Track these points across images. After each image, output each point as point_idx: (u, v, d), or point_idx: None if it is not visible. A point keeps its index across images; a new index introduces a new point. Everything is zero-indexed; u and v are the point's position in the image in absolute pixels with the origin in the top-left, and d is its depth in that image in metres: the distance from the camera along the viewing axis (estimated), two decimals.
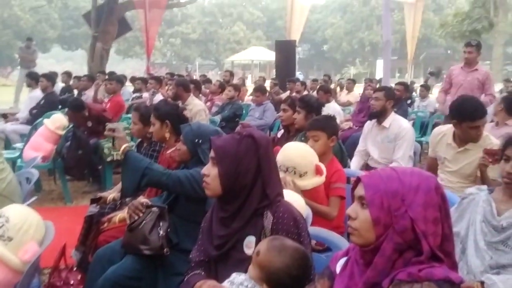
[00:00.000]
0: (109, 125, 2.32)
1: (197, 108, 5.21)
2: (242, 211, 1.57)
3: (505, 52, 24.24)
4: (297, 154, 2.36)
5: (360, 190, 1.19)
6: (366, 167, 4.04)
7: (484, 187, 2.10)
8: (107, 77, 7.86)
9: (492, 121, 4.20)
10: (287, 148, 2.39)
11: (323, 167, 2.42)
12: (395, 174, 1.18)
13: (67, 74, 9.65)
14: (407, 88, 7.42)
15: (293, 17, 13.79)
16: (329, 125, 2.75)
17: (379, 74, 6.30)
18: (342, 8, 47.27)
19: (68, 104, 5.09)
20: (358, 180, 1.22)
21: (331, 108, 6.08)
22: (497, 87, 13.97)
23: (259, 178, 1.58)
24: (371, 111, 3.98)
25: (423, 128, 7.20)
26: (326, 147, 2.71)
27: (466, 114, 2.87)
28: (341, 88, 11.05)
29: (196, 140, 2.14)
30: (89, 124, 5.00)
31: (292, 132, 3.69)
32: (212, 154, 1.60)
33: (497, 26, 21.36)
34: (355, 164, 4.02)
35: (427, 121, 7.25)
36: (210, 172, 1.60)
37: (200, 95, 7.17)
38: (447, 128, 3.15)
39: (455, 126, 2.98)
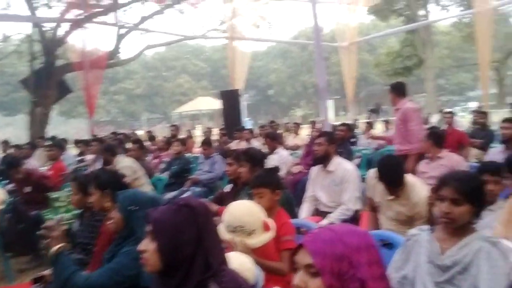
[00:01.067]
0: (46, 224, 2.20)
1: (120, 165, 5.08)
2: (185, 285, 1.51)
3: (436, 85, 25.82)
4: (243, 213, 2.33)
5: (305, 258, 1.15)
6: (317, 212, 4.07)
7: (426, 227, 2.15)
8: (46, 143, 7.60)
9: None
10: (233, 208, 2.36)
11: (271, 222, 2.41)
12: (336, 236, 1.17)
13: (5, 143, 9.26)
14: (350, 128, 7.68)
15: (235, 66, 14.12)
16: (271, 180, 2.76)
17: (323, 115, 6.55)
18: (282, 54, 49.07)
19: (1, 162, 4.90)
20: (300, 246, 1.19)
21: (278, 155, 6.16)
22: (435, 118, 14.79)
23: (200, 248, 1.53)
24: (314, 156, 4.06)
25: (370, 164, 7.42)
26: (271, 201, 2.71)
27: (386, 179, 3.07)
28: (288, 132, 11.27)
29: (131, 207, 2.08)
30: (28, 189, 4.78)
31: (239, 186, 3.67)
32: (148, 228, 1.54)
33: (426, 62, 22.83)
34: (305, 211, 4.04)
35: (372, 157, 7.48)
36: (147, 247, 1.53)
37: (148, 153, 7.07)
38: None
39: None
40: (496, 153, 4.82)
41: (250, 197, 2.88)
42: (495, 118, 16.08)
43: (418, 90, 34.20)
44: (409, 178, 3.14)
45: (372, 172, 3.36)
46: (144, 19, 15.97)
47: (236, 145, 8.36)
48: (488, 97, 11.01)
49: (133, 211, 2.07)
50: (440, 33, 33.40)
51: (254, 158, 3.51)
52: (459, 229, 1.97)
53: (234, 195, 3.46)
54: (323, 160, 3.94)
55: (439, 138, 4.44)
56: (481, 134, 7.30)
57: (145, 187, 5.10)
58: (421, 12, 24.09)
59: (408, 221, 3.04)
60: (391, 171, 3.06)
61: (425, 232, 2.09)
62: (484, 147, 6.89)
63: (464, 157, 5.91)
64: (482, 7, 9.16)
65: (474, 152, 6.97)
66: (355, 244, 1.14)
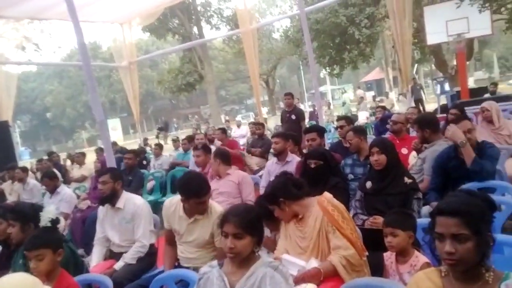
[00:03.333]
0: None
1: None
2: None
3: (219, 96, 27.70)
4: None
5: None
6: (110, 254, 3.82)
7: (215, 262, 2.20)
8: None
9: None
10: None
11: None
12: None
13: None
14: (137, 153, 7.51)
15: (1, 92, 12.32)
16: (51, 239, 2.45)
17: (104, 138, 6.03)
18: (57, 74, 45.46)
19: None
20: None
21: (61, 195, 5.63)
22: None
23: None
24: (100, 197, 3.80)
25: (163, 187, 7.39)
26: (53, 263, 2.40)
27: (192, 192, 3.02)
28: (72, 162, 10.41)
29: None
30: None
31: (12, 247, 3.15)
32: None
33: (207, 77, 24.26)
34: (96, 255, 3.75)
35: (165, 180, 7.47)
36: None
37: None
38: (177, 200, 3.24)
39: (184, 202, 3.10)
40: (270, 164, 5.38)
41: (26, 260, 2.49)
42: (270, 124, 18.07)
43: (203, 102, 36.03)
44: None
45: (168, 201, 3.33)
46: None
47: (9, 187, 7.28)
48: (260, 105, 12.22)
49: None
50: (215, 49, 35.88)
51: (25, 215, 3.04)
52: (244, 260, 2.08)
53: (6, 260, 2.95)
54: (110, 199, 3.71)
55: (226, 156, 4.69)
56: (260, 143, 8.07)
57: None
58: (195, 30, 25.47)
59: (208, 243, 3.09)
60: (197, 181, 3.05)
61: (215, 269, 2.14)
62: (263, 155, 7.67)
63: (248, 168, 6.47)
64: (246, 28, 10.14)
65: (255, 160, 7.67)
66: None
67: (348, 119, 5.65)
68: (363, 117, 14.50)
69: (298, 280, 2.39)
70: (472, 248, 1.50)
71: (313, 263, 2.49)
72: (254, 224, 2.10)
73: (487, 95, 10.86)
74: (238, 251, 2.03)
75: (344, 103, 19.96)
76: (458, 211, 1.52)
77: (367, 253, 2.65)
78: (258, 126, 8.42)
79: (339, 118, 5.88)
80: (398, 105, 16.52)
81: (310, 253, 2.62)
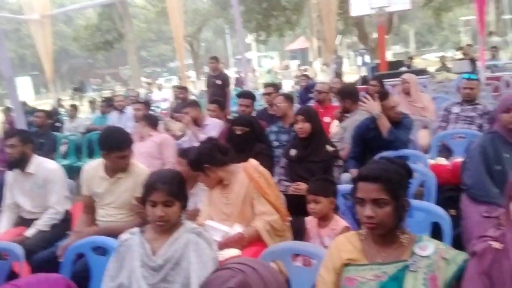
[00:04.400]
0: None
1: None
2: None
3: (140, 57, 26.53)
4: None
5: None
6: (20, 221, 3.55)
7: (136, 229, 2.11)
8: None
9: None
10: None
11: None
12: None
13: None
14: (49, 114, 6.99)
15: None
16: None
17: (13, 98, 5.44)
18: None
19: None
20: None
21: None
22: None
23: None
24: (8, 160, 3.49)
25: (79, 151, 6.99)
26: None
27: (113, 144, 2.91)
28: None
29: None
30: None
31: None
32: None
33: (127, 36, 23.02)
34: (5, 221, 3.47)
35: (80, 142, 7.06)
36: None
37: None
38: (97, 163, 3.11)
39: (105, 157, 2.98)
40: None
41: None
42: (194, 88, 17.73)
43: (122, 62, 34.36)
44: None
45: (88, 165, 3.19)
46: None
47: None
48: (184, 68, 11.90)
49: None
50: (136, 6, 34.02)
51: None
52: (169, 226, 2.02)
53: None
54: (19, 163, 3.42)
55: (152, 119, 4.73)
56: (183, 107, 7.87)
57: None
58: None
59: (129, 203, 2.99)
60: (118, 134, 2.98)
61: (136, 235, 2.05)
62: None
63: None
64: None
65: (178, 125, 7.50)
66: None
67: (276, 86, 5.69)
68: (288, 86, 14.70)
69: (222, 245, 2.38)
70: (390, 212, 1.56)
71: (237, 229, 2.50)
72: (182, 190, 2.04)
73: (403, 69, 11.45)
74: (168, 218, 1.97)
75: (269, 70, 20.09)
76: (378, 177, 1.57)
77: (290, 218, 2.71)
78: (181, 90, 8.20)
79: (267, 85, 5.90)
80: (322, 75, 16.94)
81: (235, 219, 2.63)
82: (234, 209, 2.66)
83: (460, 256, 1.51)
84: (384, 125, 3.62)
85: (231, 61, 36.02)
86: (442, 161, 3.75)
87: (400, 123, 3.74)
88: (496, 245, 1.38)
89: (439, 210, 2.31)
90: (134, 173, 3.01)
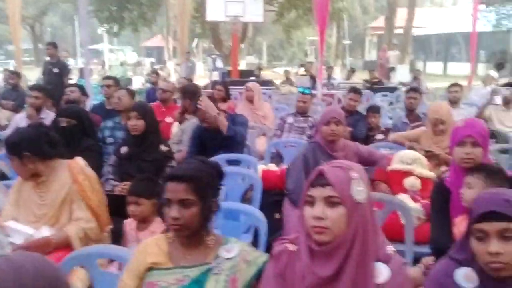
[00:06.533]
0: None
1: None
2: None
3: None
4: None
5: None
6: None
7: None
8: None
9: None
10: None
11: None
12: None
13: None
14: None
15: None
16: None
17: None
18: None
19: None
20: None
21: None
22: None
23: None
24: None
25: None
26: None
27: None
28: None
29: None
30: None
31: None
32: None
33: None
34: None
35: None
36: None
37: None
38: None
39: None
40: (20, 118, 4.75)
41: None
42: (32, 76, 16.02)
43: None
44: None
45: None
46: None
47: None
48: (21, 52, 10.69)
49: None
50: None
51: None
52: None
53: None
54: None
55: None
56: (14, 95, 7.05)
57: None
58: None
59: None
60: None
61: None
62: (16, 109, 6.68)
63: None
64: None
65: (6, 114, 6.66)
66: None
67: (115, 80, 5.39)
68: (138, 82, 14.19)
69: (24, 249, 2.10)
70: (196, 213, 1.53)
71: (45, 232, 2.23)
72: None
73: (252, 78, 11.98)
74: None
75: (122, 64, 19.18)
76: (186, 176, 1.53)
77: (111, 226, 2.53)
78: (13, 76, 7.43)
79: (106, 78, 5.56)
80: (175, 75, 16.78)
81: (48, 221, 2.35)
82: (48, 210, 2.37)
83: (261, 258, 1.55)
84: (223, 123, 3.66)
85: (78, 50, 33.57)
86: (273, 167, 3.95)
87: (235, 120, 3.82)
88: (291, 247, 1.44)
89: (257, 213, 2.38)
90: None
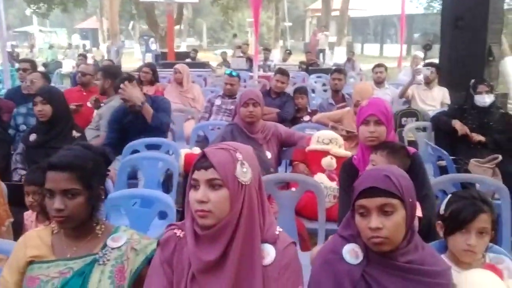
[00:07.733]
0: None
1: None
2: None
3: None
4: None
5: None
6: None
7: None
8: None
9: None
10: None
11: None
12: None
13: None
14: None
15: None
16: None
17: None
18: None
19: None
20: None
21: None
22: None
23: None
24: None
25: None
26: None
27: None
28: None
29: None
30: None
31: None
32: None
33: None
34: None
35: None
36: None
37: None
38: None
39: None
40: None
41: None
42: None
43: None
44: None
45: None
46: None
47: None
48: None
49: None
50: None
51: None
52: None
53: None
54: None
55: None
56: None
57: None
58: None
59: None
60: None
61: None
62: None
63: None
64: None
65: None
66: None
67: (33, 63, 5.07)
68: (68, 65, 13.53)
69: None
70: (82, 203, 1.45)
71: None
72: None
73: (188, 60, 11.74)
74: None
75: (51, 47, 18.20)
76: (68, 165, 1.44)
77: (11, 220, 2.36)
78: None
79: (22, 60, 5.22)
80: (109, 56, 16.15)
81: None
82: None
83: (151, 246, 1.50)
84: (148, 112, 3.58)
85: (8, 33, 31.55)
86: (196, 150, 3.88)
87: (158, 106, 3.73)
88: (179, 233, 1.40)
89: (166, 199, 2.32)
90: None
